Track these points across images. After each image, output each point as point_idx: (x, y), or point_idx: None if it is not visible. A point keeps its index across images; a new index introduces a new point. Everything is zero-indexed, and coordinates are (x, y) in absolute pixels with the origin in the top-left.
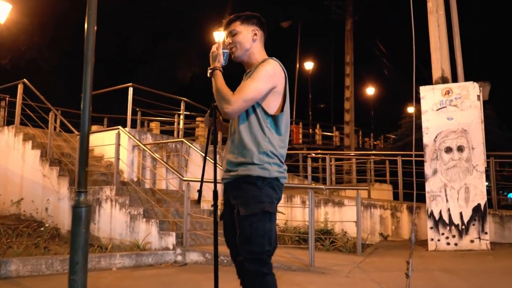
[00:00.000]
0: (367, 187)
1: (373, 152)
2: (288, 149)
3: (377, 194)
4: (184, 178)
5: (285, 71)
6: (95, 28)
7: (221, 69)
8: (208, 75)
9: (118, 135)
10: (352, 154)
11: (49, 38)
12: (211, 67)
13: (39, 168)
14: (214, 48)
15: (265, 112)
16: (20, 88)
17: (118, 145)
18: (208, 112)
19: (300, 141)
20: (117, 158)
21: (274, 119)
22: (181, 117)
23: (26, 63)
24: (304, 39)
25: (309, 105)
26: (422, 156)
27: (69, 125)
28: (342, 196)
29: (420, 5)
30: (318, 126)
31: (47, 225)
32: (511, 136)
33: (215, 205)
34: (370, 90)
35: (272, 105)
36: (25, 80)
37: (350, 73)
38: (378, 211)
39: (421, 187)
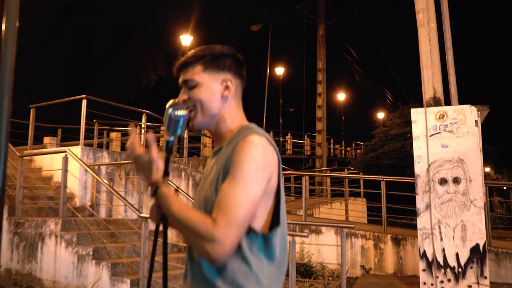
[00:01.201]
0: (352, 225)
1: (351, 175)
2: None
3: (351, 209)
4: (142, 215)
5: (277, 149)
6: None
7: (168, 182)
8: (150, 194)
9: (66, 159)
10: (328, 174)
11: None
12: (150, 181)
13: None
14: (132, 142)
15: (250, 230)
16: None
17: (65, 171)
18: (154, 201)
19: None
20: (64, 187)
21: (266, 239)
22: (143, 131)
23: None
24: (276, 43)
25: (280, 111)
26: (410, 182)
27: (9, 145)
28: (319, 218)
29: (409, 16)
30: (289, 134)
31: None
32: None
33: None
34: (341, 96)
35: (261, 214)
36: None
37: (323, 79)
38: (359, 241)
39: (406, 212)
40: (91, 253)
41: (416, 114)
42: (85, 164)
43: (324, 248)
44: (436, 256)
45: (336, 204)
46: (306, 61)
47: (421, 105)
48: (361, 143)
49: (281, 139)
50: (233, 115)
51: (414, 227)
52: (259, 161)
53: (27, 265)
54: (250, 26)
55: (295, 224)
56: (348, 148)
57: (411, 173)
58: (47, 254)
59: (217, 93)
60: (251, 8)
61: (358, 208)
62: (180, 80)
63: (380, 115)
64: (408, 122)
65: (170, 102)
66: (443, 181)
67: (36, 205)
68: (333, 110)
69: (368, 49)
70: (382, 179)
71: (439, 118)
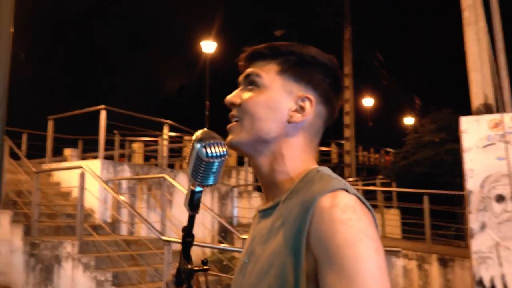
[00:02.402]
0: (398, 249)
1: (386, 188)
2: None
3: (385, 222)
4: (163, 238)
5: (373, 213)
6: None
7: None
8: None
9: (82, 176)
10: (361, 187)
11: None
12: None
13: None
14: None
15: None
16: None
17: (82, 188)
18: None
19: None
20: (81, 205)
21: None
22: (165, 143)
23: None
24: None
25: None
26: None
27: (24, 159)
28: None
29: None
30: None
31: None
32: None
33: None
34: (368, 101)
35: None
36: None
37: (350, 85)
38: (401, 261)
39: (448, 228)
40: (110, 278)
41: (467, 122)
42: (104, 181)
43: None
44: (495, 284)
45: None
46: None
47: (455, 111)
48: (390, 149)
49: None
50: (297, 154)
51: (461, 245)
52: (373, 236)
53: None
54: (273, 31)
55: None
56: (377, 155)
57: (449, 182)
58: (64, 279)
59: (282, 112)
60: (274, 13)
61: (391, 221)
62: (243, 74)
63: (408, 120)
64: (442, 128)
65: (199, 133)
66: (500, 198)
67: (54, 223)
68: (359, 115)
69: (396, 52)
70: (424, 192)
71: (493, 127)
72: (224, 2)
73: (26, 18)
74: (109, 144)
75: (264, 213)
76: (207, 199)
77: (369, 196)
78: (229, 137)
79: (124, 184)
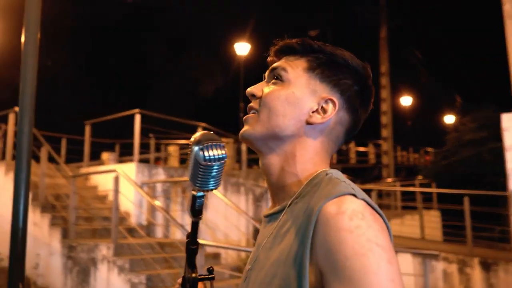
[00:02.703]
0: (436, 253)
1: (424, 189)
2: None
3: (424, 224)
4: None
5: (386, 219)
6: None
7: None
8: None
9: (116, 179)
10: (398, 188)
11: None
12: None
13: (30, 215)
14: None
15: None
16: (11, 118)
17: (116, 191)
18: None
19: (334, 160)
20: (116, 208)
21: None
22: None
23: (41, 82)
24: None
25: None
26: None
27: (62, 164)
28: None
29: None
30: (353, 143)
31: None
32: None
33: None
34: (407, 100)
35: None
36: (16, 108)
37: (387, 84)
38: (440, 265)
39: (492, 229)
40: (144, 281)
41: (509, 120)
42: (138, 184)
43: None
44: None
45: (407, 218)
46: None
47: (497, 108)
48: (430, 149)
49: (344, 148)
50: (310, 156)
51: (505, 248)
52: (384, 245)
53: None
54: (308, 31)
55: None
56: (416, 155)
57: (492, 182)
58: (100, 281)
59: (302, 110)
60: (309, 13)
61: (431, 223)
62: (269, 68)
63: (449, 118)
64: (483, 127)
65: (198, 135)
66: None
67: (91, 226)
68: (397, 114)
69: (435, 49)
70: (465, 193)
71: None
72: (258, 3)
73: (65, 26)
74: (146, 147)
75: (270, 218)
76: (242, 202)
77: (407, 197)
78: (244, 128)
79: (159, 187)
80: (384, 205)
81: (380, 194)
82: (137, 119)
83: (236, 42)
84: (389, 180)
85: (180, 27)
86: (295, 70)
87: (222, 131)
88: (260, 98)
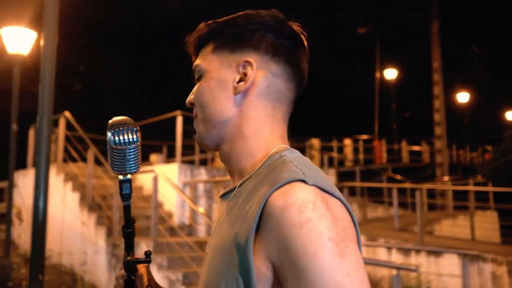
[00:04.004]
0: (475, 251)
1: (477, 187)
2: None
3: (479, 224)
4: None
5: (345, 201)
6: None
7: None
8: None
9: (155, 179)
10: (448, 187)
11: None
12: None
13: (78, 214)
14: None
15: None
16: (62, 121)
17: (155, 191)
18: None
19: (384, 160)
20: (155, 207)
21: None
22: None
23: (97, 87)
24: (384, 45)
25: (393, 118)
26: None
27: (106, 164)
28: (439, 238)
29: None
30: (404, 142)
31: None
32: None
33: None
34: (463, 97)
35: None
36: (66, 112)
37: (439, 80)
38: (489, 267)
39: None
40: (181, 278)
41: None
42: (180, 184)
43: (446, 276)
44: None
45: (460, 219)
46: (420, 61)
47: None
48: (489, 147)
49: (395, 147)
50: (258, 129)
51: None
52: (336, 237)
53: None
54: (357, 29)
55: (403, 249)
56: (474, 154)
57: None
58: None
59: (228, 87)
60: (357, 10)
61: (487, 224)
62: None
63: (510, 115)
64: None
65: (112, 120)
66: None
67: (135, 225)
68: (452, 111)
69: (491, 43)
70: None
71: None
72: (304, 1)
73: (114, 33)
74: (191, 149)
75: (222, 198)
76: None
77: (461, 197)
78: (195, 136)
79: (201, 187)
80: (437, 205)
81: (432, 194)
82: (179, 120)
83: None
84: (445, 179)
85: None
86: (205, 58)
87: None
88: (194, 102)
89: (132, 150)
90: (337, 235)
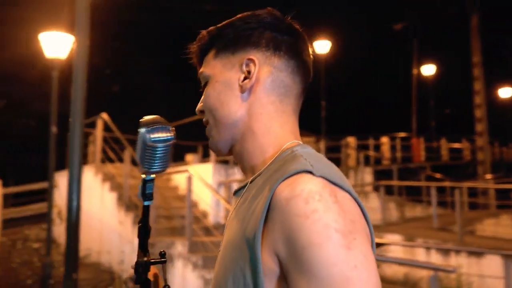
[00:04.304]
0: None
1: None
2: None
3: None
4: None
5: (355, 195)
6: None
7: None
8: None
9: (189, 180)
10: (488, 185)
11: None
12: None
13: (116, 213)
14: None
15: None
16: (100, 123)
17: (189, 191)
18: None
19: (422, 158)
20: (189, 207)
21: None
22: None
23: (133, 89)
24: (421, 41)
25: (432, 115)
26: None
27: None
28: (481, 238)
29: None
30: (444, 139)
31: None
32: None
33: None
34: (505, 92)
35: None
36: (103, 114)
37: (480, 75)
38: None
39: None
40: None
41: None
42: (214, 184)
43: (488, 277)
44: None
45: (503, 218)
46: (459, 56)
47: None
48: None
49: (434, 145)
50: (268, 126)
51: None
52: (344, 229)
53: None
54: (392, 25)
55: (442, 249)
56: None
57: None
58: (176, 277)
59: (234, 87)
60: (392, 7)
61: None
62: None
63: None
64: None
65: (145, 118)
66: None
67: (170, 224)
68: (495, 107)
69: None
70: None
71: None
72: None
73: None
74: None
75: (235, 195)
76: None
77: (504, 196)
78: (209, 142)
79: (236, 187)
80: (479, 204)
81: (474, 193)
82: None
83: (315, 40)
84: (488, 177)
85: None
86: (209, 64)
87: (303, 131)
88: (204, 109)
89: (166, 148)
90: (344, 227)
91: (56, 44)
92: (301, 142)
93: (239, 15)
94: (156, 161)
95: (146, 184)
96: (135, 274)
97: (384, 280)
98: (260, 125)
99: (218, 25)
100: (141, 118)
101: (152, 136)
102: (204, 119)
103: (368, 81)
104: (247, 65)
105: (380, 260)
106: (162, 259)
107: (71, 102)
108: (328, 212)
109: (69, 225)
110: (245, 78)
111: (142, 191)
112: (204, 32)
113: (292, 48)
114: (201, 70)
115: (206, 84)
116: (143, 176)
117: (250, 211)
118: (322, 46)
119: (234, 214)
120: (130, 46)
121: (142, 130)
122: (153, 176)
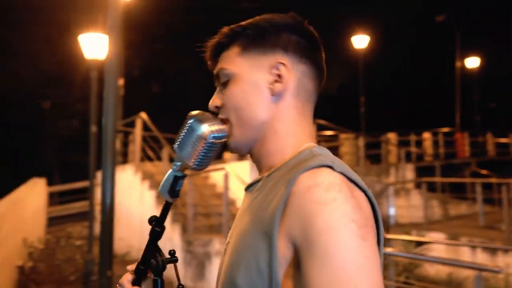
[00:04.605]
0: None
1: None
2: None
3: None
4: None
5: (370, 193)
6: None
7: None
8: None
9: (226, 177)
10: None
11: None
12: None
13: (155, 211)
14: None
15: None
16: (139, 122)
17: (226, 188)
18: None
19: (467, 153)
20: (226, 204)
21: None
22: None
23: (171, 88)
24: (465, 32)
25: (476, 109)
26: None
27: None
28: None
29: None
30: (490, 134)
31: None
32: None
33: None
34: None
35: None
36: (142, 113)
37: None
38: None
39: None
40: None
41: None
42: (247, 182)
43: None
44: None
45: None
46: (505, 48)
47: None
48: None
49: (480, 140)
50: (291, 128)
51: None
52: (360, 221)
53: (198, 283)
54: (434, 17)
55: (489, 248)
56: None
57: None
58: (214, 274)
59: (262, 89)
60: None
61: None
62: (214, 76)
63: None
64: None
65: (197, 113)
66: None
67: (208, 222)
68: None
69: None
70: None
71: None
72: None
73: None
74: None
75: (247, 190)
76: None
77: None
78: (227, 142)
79: None
80: None
81: None
82: None
83: (353, 34)
84: None
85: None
86: (233, 62)
87: (342, 127)
88: (222, 106)
89: (219, 146)
90: (359, 219)
91: (95, 45)
92: (317, 145)
93: (261, 16)
94: (208, 158)
95: (178, 181)
96: (135, 275)
97: (427, 279)
98: (283, 127)
99: (241, 23)
100: (177, 117)
101: (214, 133)
102: (221, 116)
103: (409, 75)
104: (278, 68)
105: (422, 260)
106: (174, 258)
107: (104, 102)
108: (347, 203)
109: (103, 222)
110: (274, 81)
111: (171, 187)
112: (226, 28)
113: (315, 55)
114: (222, 66)
115: (227, 82)
116: (177, 171)
117: (268, 201)
118: (360, 41)
119: (246, 207)
120: (170, 46)
121: (203, 124)
122: (186, 173)
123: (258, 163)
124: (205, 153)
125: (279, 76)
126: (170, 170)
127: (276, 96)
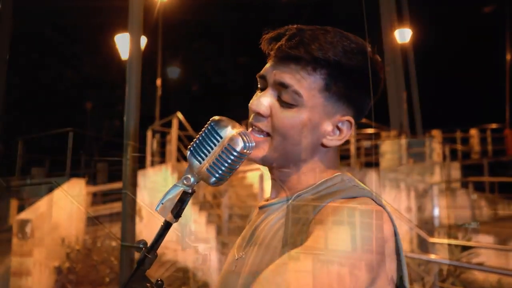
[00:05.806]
0: None
1: None
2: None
3: None
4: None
5: (390, 213)
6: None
7: None
8: None
9: (261, 178)
10: None
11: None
12: None
13: (190, 212)
14: None
15: None
16: (175, 122)
17: (261, 189)
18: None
19: (490, 153)
20: None
21: None
22: (352, 140)
23: (213, 88)
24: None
25: None
26: None
27: None
28: None
29: None
30: None
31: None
32: None
33: None
34: None
35: None
36: (178, 113)
37: None
38: None
39: None
40: None
41: None
42: None
43: None
44: None
45: None
46: None
47: None
48: None
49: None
50: (324, 159)
51: None
52: (381, 244)
53: None
54: (482, 8)
55: None
56: None
57: None
58: None
59: (318, 134)
60: None
61: None
62: (271, 77)
63: None
64: None
65: (221, 119)
66: None
67: (244, 223)
68: None
69: None
70: None
71: None
72: None
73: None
74: None
75: (266, 208)
76: (403, 198)
77: None
78: (256, 153)
79: None
80: None
81: None
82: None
83: (396, 28)
84: None
85: (328, 22)
86: (310, 92)
87: (382, 125)
88: (268, 118)
89: (240, 159)
90: (382, 249)
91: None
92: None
93: (353, 44)
94: (231, 172)
95: (186, 198)
96: None
97: (475, 285)
98: (319, 160)
99: (338, 45)
100: (211, 116)
101: (247, 143)
102: (259, 125)
103: (454, 69)
104: (343, 124)
105: (466, 268)
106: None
107: (125, 102)
108: (379, 232)
109: (123, 225)
110: (336, 127)
111: (180, 207)
112: (315, 44)
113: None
114: (297, 89)
115: (290, 104)
116: (187, 185)
117: (302, 222)
118: (403, 35)
119: (274, 232)
120: (211, 45)
121: (232, 132)
122: (195, 189)
123: (281, 180)
124: (230, 165)
125: (339, 129)
126: (177, 185)
127: (324, 147)
